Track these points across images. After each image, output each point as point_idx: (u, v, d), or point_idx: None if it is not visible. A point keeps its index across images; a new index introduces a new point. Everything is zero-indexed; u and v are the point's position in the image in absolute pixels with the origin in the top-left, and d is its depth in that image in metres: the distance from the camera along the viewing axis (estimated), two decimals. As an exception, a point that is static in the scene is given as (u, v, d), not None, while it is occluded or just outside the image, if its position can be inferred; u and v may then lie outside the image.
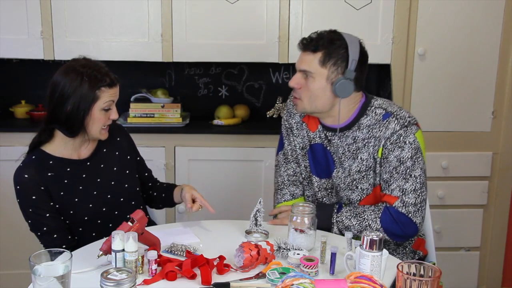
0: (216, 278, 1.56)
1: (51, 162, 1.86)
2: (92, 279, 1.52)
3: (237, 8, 2.82)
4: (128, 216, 1.64)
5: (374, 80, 3.16)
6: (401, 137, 1.83)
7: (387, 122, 1.85)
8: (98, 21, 2.81)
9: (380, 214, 1.84)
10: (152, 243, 1.69)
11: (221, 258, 1.63)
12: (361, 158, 1.89)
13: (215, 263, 1.60)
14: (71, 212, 1.87)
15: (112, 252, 1.54)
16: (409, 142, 1.83)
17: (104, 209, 1.93)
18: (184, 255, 1.69)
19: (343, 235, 1.86)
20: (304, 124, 2.02)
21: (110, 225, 1.90)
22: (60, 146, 1.88)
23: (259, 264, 1.63)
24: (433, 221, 2.15)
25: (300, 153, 2.04)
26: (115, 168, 1.98)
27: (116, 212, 1.95)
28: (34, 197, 1.81)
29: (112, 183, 1.96)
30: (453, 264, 3.03)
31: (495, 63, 2.87)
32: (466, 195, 3.00)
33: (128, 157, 2.04)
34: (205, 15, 2.82)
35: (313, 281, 1.33)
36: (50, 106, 1.82)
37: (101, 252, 1.57)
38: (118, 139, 2.03)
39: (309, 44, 1.85)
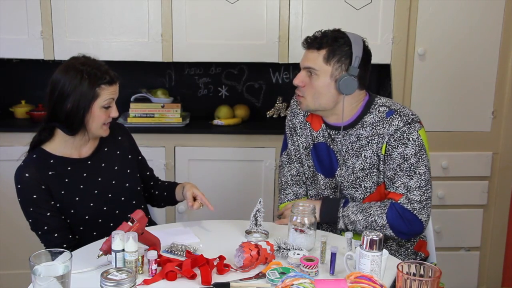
0: (216, 278, 1.56)
1: (52, 161, 1.86)
2: (92, 279, 1.52)
3: (237, 8, 2.82)
4: (128, 216, 1.65)
5: (374, 80, 3.15)
6: (405, 134, 1.83)
7: (390, 119, 1.86)
8: (98, 21, 2.81)
9: (386, 210, 1.84)
10: (152, 243, 1.69)
11: (221, 258, 1.63)
12: (364, 155, 1.89)
13: (215, 263, 1.60)
14: (72, 211, 1.87)
15: (112, 252, 1.54)
16: (412, 139, 1.83)
17: (105, 208, 1.93)
18: (184, 255, 1.69)
19: (348, 230, 1.87)
20: (307, 123, 2.02)
21: (111, 224, 1.90)
22: (61, 145, 1.88)
23: (259, 264, 1.63)
24: (433, 221, 2.15)
25: (303, 152, 2.04)
26: (116, 167, 1.98)
27: (117, 212, 1.95)
28: (34, 196, 1.81)
29: (113, 182, 1.96)
30: (453, 264, 3.03)
31: (495, 63, 2.87)
32: (466, 195, 3.00)
33: (129, 156, 2.04)
34: (205, 15, 2.82)
35: (313, 281, 1.33)
36: (50, 104, 1.82)
37: (101, 252, 1.58)
38: (120, 138, 2.03)
39: (313, 42, 1.87)
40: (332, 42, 1.84)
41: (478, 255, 3.09)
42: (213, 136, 2.91)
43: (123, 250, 1.53)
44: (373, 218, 1.84)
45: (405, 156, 1.83)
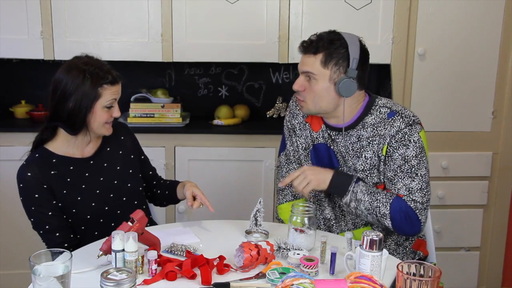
0: (216, 278, 1.56)
1: (54, 160, 1.86)
2: (92, 279, 1.52)
3: (237, 8, 2.82)
4: (128, 216, 1.65)
5: (374, 80, 3.16)
6: (406, 135, 1.83)
7: (392, 121, 1.86)
8: (98, 21, 2.81)
9: (391, 200, 1.82)
10: (152, 243, 1.69)
11: (221, 258, 1.63)
12: (365, 156, 1.89)
13: (215, 263, 1.60)
14: (74, 210, 1.88)
15: (112, 252, 1.54)
16: (413, 140, 1.83)
17: (106, 208, 1.93)
18: (184, 255, 1.69)
19: (350, 207, 1.85)
20: (307, 124, 2.02)
21: (112, 224, 1.89)
22: (63, 144, 1.88)
23: (259, 264, 1.63)
24: (433, 221, 2.15)
25: (302, 153, 2.04)
26: (118, 167, 1.98)
27: (118, 211, 1.95)
28: (37, 195, 1.81)
29: (115, 182, 1.96)
30: (453, 264, 3.03)
31: (495, 63, 2.88)
32: (466, 195, 3.00)
33: (132, 156, 2.04)
34: (205, 15, 2.83)
35: (313, 281, 1.33)
36: (52, 103, 1.83)
37: (101, 252, 1.58)
38: (122, 138, 2.03)
39: (309, 46, 1.86)
40: (328, 45, 1.83)
41: (478, 255, 3.09)
42: (213, 136, 2.92)
43: (123, 250, 1.53)
44: (377, 204, 1.83)
45: (406, 157, 1.83)
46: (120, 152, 2.00)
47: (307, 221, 1.74)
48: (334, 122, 1.94)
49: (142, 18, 2.82)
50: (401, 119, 1.85)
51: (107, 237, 1.59)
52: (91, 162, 1.92)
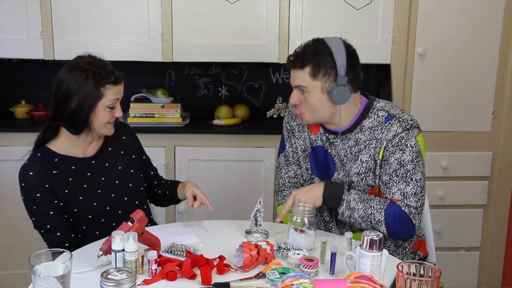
0: (216, 278, 1.56)
1: (56, 159, 1.86)
2: (92, 279, 1.52)
3: (237, 8, 2.82)
4: (128, 216, 1.65)
5: (374, 80, 3.15)
6: (403, 140, 1.83)
7: (389, 125, 1.85)
8: (98, 21, 2.81)
9: (385, 206, 1.83)
10: (152, 243, 1.69)
11: (221, 258, 1.63)
12: (361, 159, 1.89)
13: (215, 263, 1.60)
14: (75, 210, 1.88)
15: (112, 252, 1.54)
16: (410, 145, 1.83)
17: (107, 207, 1.93)
18: (184, 255, 1.69)
19: (344, 216, 1.85)
20: (305, 126, 2.02)
21: (114, 224, 1.89)
22: (65, 144, 1.88)
23: (259, 264, 1.63)
24: (433, 221, 2.15)
25: (301, 155, 2.04)
26: (120, 167, 1.98)
27: (119, 211, 1.95)
28: (38, 195, 1.81)
29: (117, 182, 1.96)
30: (453, 264, 3.03)
31: (495, 63, 2.87)
32: (466, 195, 3.00)
33: (133, 156, 2.04)
34: (205, 15, 2.83)
35: (313, 281, 1.33)
36: (54, 103, 1.83)
37: (101, 252, 1.58)
38: (124, 138, 2.03)
39: (295, 61, 1.84)
40: (313, 57, 1.81)
41: (478, 255, 3.09)
42: (213, 136, 2.91)
43: (123, 250, 1.53)
44: (372, 211, 1.83)
45: (402, 162, 1.83)
46: (122, 152, 2.00)
47: (307, 221, 1.74)
48: (333, 126, 1.94)
49: (142, 18, 2.82)
50: (398, 123, 1.85)
51: (107, 237, 1.59)
52: (93, 161, 1.92)
